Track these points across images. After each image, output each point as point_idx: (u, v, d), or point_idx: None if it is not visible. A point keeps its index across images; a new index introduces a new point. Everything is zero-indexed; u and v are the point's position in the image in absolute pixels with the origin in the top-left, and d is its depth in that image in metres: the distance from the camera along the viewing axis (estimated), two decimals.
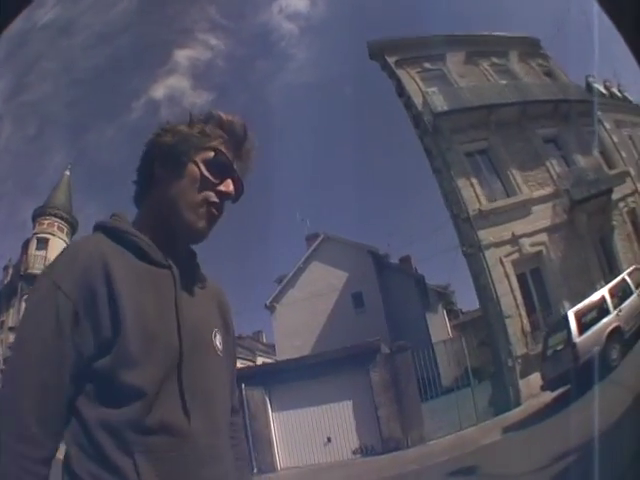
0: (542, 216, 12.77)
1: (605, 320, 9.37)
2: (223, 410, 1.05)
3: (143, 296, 0.95)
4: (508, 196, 12.89)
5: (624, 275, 10.55)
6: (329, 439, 11.01)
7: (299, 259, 16.88)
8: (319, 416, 11.09)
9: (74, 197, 16.48)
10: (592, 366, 8.60)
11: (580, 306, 9.71)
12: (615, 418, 5.80)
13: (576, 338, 9.02)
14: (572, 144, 14.65)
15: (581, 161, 14.42)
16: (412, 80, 13.96)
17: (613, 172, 15.01)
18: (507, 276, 11.85)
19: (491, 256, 11.90)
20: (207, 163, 1.05)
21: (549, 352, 9.96)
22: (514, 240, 12.19)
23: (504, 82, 14.86)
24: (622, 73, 18.07)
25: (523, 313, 11.73)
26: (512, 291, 11.77)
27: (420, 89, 13.75)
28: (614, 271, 13.52)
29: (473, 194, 12.44)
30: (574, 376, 8.90)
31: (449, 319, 19.47)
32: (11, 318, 14.61)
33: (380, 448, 10.68)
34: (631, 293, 10.00)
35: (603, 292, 9.94)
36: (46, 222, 15.19)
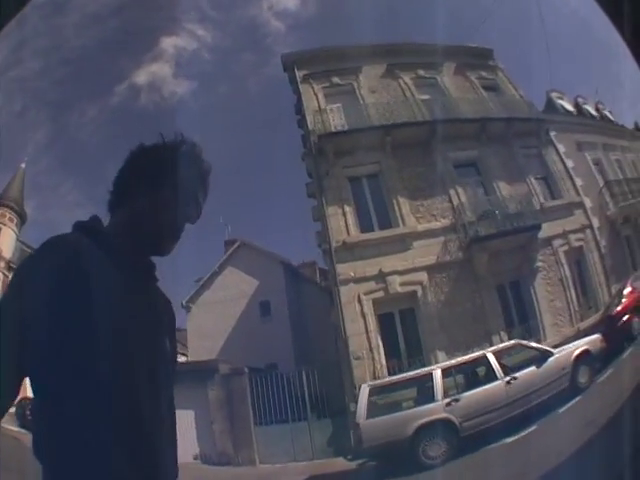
0: (425, 252, 11.50)
1: (424, 407, 7.64)
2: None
3: (104, 296, 1.02)
4: (390, 227, 11.75)
5: (487, 352, 8.46)
6: None
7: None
8: None
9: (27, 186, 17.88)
10: (387, 456, 7.46)
11: (384, 381, 8.42)
12: None
13: (360, 418, 7.70)
14: (497, 169, 13.00)
15: (505, 189, 12.71)
16: (314, 96, 13.19)
17: (553, 203, 13.06)
18: (363, 315, 10.88)
19: (347, 292, 10.98)
20: (175, 189, 1.18)
21: None
22: (381, 277, 11.12)
23: (424, 97, 13.50)
24: (607, 91, 15.59)
25: (377, 357, 10.71)
26: (367, 332, 10.80)
27: (319, 106, 12.95)
28: (526, 321, 11.85)
29: (343, 224, 11.50)
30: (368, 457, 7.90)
31: None
32: None
33: (215, 459, 11.00)
34: (492, 379, 7.99)
35: (435, 369, 8.23)
36: None
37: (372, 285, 11.07)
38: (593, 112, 15.77)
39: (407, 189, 12.07)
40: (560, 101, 15.54)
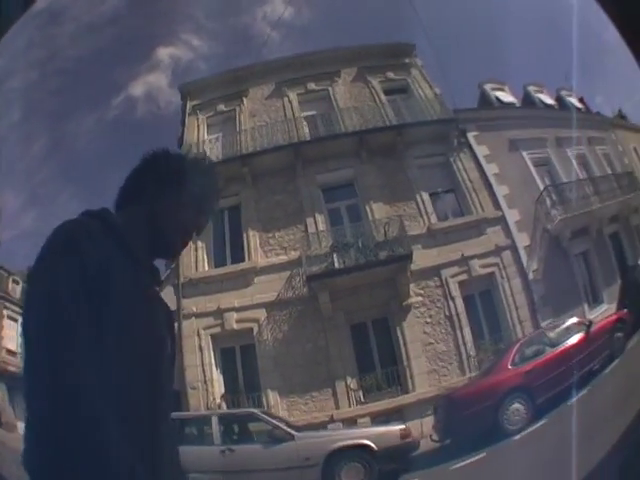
0: (266, 288, 11.30)
1: None
2: None
3: (128, 289, 1.02)
4: (241, 261, 11.74)
5: (215, 413, 7.78)
6: None
7: None
8: None
9: None
10: None
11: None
12: None
13: None
14: (376, 188, 11.79)
15: (380, 212, 11.49)
16: (196, 128, 13.46)
17: (450, 223, 11.39)
18: (201, 349, 11.34)
19: (189, 326, 11.52)
20: (196, 198, 1.22)
21: None
22: (219, 313, 11.37)
23: (308, 114, 12.68)
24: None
25: (211, 389, 11.15)
26: (202, 365, 11.26)
27: (197, 139, 13.23)
28: (393, 365, 10.80)
29: (193, 260, 11.90)
30: None
31: None
32: None
33: None
34: (209, 442, 7.24)
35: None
36: None
37: (211, 321, 11.41)
38: (550, 101, 12.55)
39: (261, 220, 11.83)
40: (497, 93, 12.74)
